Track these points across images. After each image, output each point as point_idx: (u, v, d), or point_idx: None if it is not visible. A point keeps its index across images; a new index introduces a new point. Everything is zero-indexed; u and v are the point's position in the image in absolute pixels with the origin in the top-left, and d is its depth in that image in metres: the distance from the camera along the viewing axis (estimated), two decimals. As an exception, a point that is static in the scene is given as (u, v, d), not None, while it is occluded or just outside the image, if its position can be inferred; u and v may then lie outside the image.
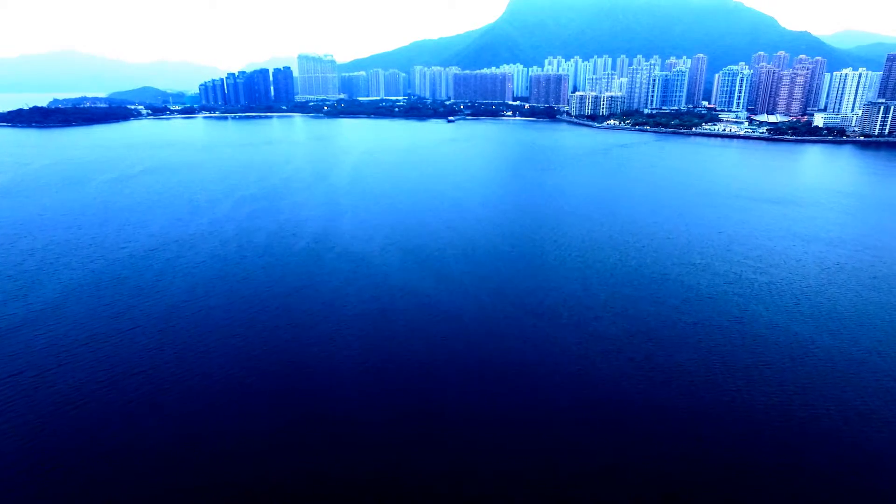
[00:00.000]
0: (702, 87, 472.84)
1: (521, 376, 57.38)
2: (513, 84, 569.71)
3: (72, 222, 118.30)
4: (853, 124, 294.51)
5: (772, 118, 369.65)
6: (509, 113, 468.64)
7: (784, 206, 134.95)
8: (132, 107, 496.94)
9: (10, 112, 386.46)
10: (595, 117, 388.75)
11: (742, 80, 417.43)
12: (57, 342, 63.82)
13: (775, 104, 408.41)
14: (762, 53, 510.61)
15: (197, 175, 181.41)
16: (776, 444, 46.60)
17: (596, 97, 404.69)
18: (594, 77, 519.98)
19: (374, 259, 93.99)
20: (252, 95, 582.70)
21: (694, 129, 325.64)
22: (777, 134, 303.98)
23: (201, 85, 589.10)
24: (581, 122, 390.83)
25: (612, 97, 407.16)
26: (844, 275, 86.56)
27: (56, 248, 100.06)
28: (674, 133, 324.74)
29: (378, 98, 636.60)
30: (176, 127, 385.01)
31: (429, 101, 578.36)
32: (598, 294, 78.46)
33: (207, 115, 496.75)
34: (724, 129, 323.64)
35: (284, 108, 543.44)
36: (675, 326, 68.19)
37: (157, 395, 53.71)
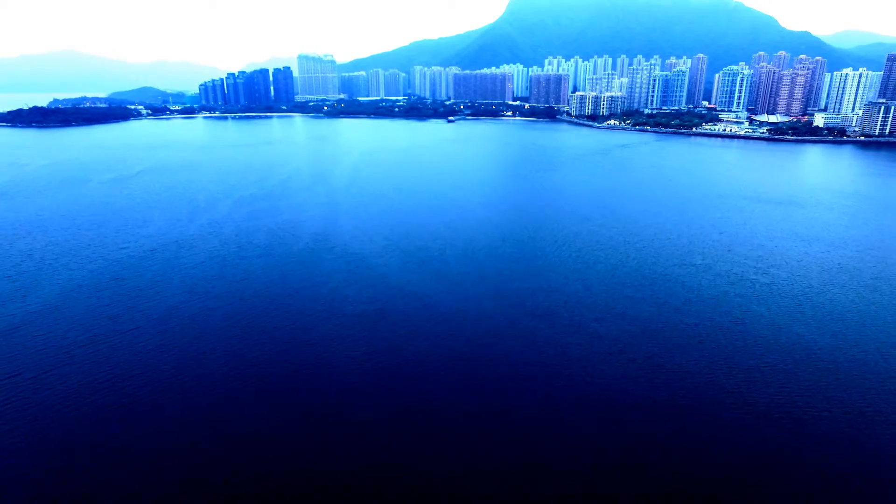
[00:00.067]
0: (702, 88, 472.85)
1: (522, 377, 57.22)
2: (513, 84, 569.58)
3: (71, 223, 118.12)
4: (853, 124, 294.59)
5: (772, 118, 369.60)
6: (509, 113, 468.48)
7: (785, 207, 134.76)
8: (132, 107, 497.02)
9: (9, 112, 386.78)
10: (595, 117, 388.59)
11: (742, 80, 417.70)
12: (56, 343, 63.66)
13: (776, 104, 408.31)
14: (762, 53, 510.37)
15: (196, 175, 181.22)
16: (778, 445, 46.45)
17: (596, 97, 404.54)
18: (594, 77, 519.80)
19: (374, 259, 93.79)
20: (252, 95, 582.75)
21: (694, 130, 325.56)
22: (777, 134, 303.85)
23: (201, 85, 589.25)
24: (581, 122, 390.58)
25: (612, 97, 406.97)
26: (846, 275, 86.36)
27: (55, 248, 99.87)
28: (674, 133, 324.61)
29: (378, 98, 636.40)
30: (176, 127, 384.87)
31: (429, 101, 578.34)
32: (598, 295, 78.25)
33: (207, 115, 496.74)
34: (725, 130, 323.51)
35: (284, 108, 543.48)
36: (677, 327, 68.00)
37: (157, 395, 53.58)
